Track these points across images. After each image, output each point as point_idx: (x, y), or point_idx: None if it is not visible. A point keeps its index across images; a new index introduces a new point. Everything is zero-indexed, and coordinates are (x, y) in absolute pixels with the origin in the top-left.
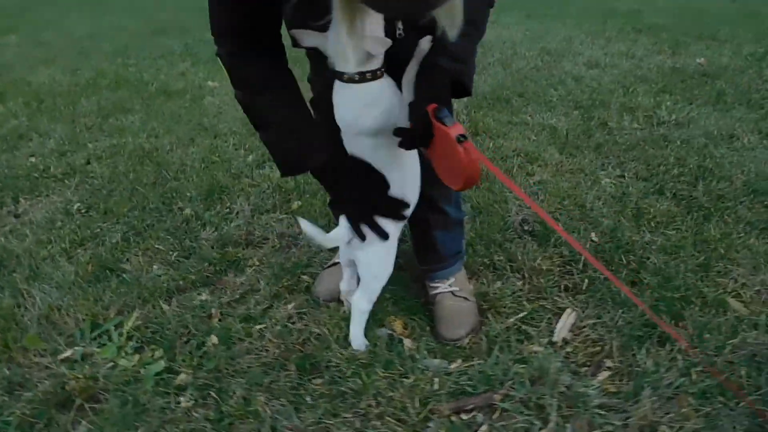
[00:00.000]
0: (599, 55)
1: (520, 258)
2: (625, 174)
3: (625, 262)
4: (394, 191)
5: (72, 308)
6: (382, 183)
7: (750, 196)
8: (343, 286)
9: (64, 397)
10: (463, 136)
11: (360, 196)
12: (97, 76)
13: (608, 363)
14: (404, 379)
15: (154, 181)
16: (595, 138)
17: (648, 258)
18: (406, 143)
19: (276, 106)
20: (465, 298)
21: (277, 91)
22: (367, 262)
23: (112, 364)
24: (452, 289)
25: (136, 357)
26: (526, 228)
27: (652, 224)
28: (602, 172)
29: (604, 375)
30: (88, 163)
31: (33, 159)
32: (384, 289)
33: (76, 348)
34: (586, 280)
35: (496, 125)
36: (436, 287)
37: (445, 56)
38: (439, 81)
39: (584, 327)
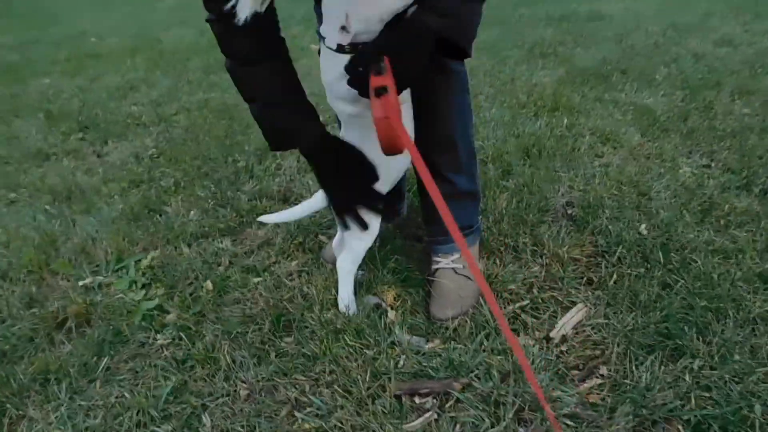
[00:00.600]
0: (736, 33)
1: (546, 242)
2: (712, 164)
3: (662, 260)
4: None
5: (106, 241)
6: (371, 174)
7: None
8: (334, 243)
9: (63, 318)
10: (383, 88)
11: (345, 184)
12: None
13: (603, 370)
14: (367, 351)
15: (224, 134)
16: (690, 122)
17: (695, 260)
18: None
19: (267, 79)
20: (467, 278)
21: (268, 63)
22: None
23: (120, 295)
24: (455, 266)
25: (142, 292)
26: (568, 212)
27: (721, 222)
28: (685, 160)
29: (593, 382)
30: (176, 114)
31: (134, 107)
32: (388, 257)
33: (98, 277)
34: (615, 275)
35: (581, 102)
36: (438, 262)
37: (428, 12)
38: (408, 33)
39: (589, 326)
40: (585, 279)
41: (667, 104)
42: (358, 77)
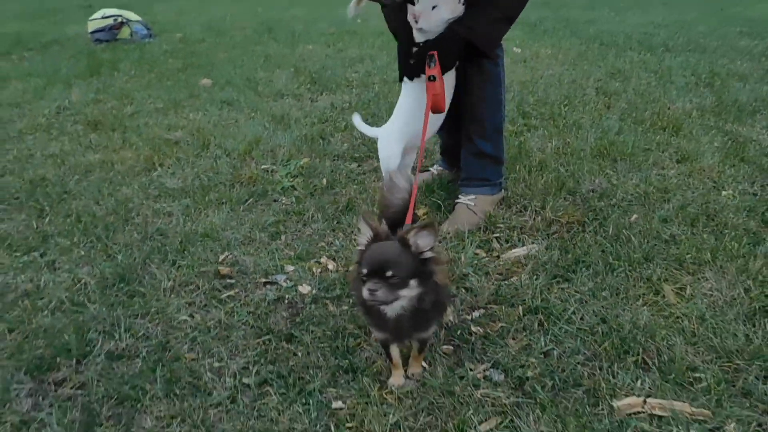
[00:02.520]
0: None
1: (546, 208)
2: None
3: (611, 234)
4: None
5: (285, 148)
6: None
7: None
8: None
9: (246, 178)
10: (433, 77)
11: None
12: None
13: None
14: None
15: None
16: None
17: (634, 241)
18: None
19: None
20: (475, 213)
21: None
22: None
23: (279, 176)
24: (468, 203)
25: (289, 177)
26: (585, 195)
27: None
28: (730, 184)
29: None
30: (375, 83)
31: (353, 74)
32: (430, 190)
33: (272, 166)
34: (575, 238)
35: (693, 127)
36: (458, 197)
37: (460, 25)
38: (446, 37)
39: (528, 256)
40: (555, 234)
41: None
42: (417, 64)
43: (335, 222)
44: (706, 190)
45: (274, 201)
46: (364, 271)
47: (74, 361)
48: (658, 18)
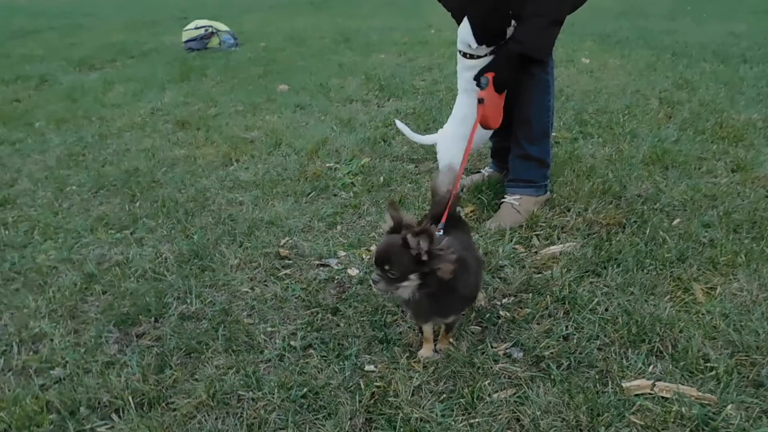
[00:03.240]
0: None
1: (589, 210)
2: None
3: (653, 240)
4: None
5: (348, 149)
6: None
7: None
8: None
9: (309, 175)
10: (480, 99)
11: None
12: None
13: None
14: None
15: None
16: None
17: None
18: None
19: None
20: (518, 212)
21: None
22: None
23: (340, 173)
24: (512, 202)
25: (350, 175)
26: (629, 199)
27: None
28: None
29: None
30: (439, 91)
31: (420, 82)
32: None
33: (336, 164)
34: (612, 239)
35: (756, 137)
36: (505, 197)
37: (511, 41)
38: (501, 57)
39: (562, 257)
40: (594, 234)
41: None
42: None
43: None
44: (757, 199)
45: (334, 195)
46: (373, 260)
47: (153, 319)
48: (741, 28)
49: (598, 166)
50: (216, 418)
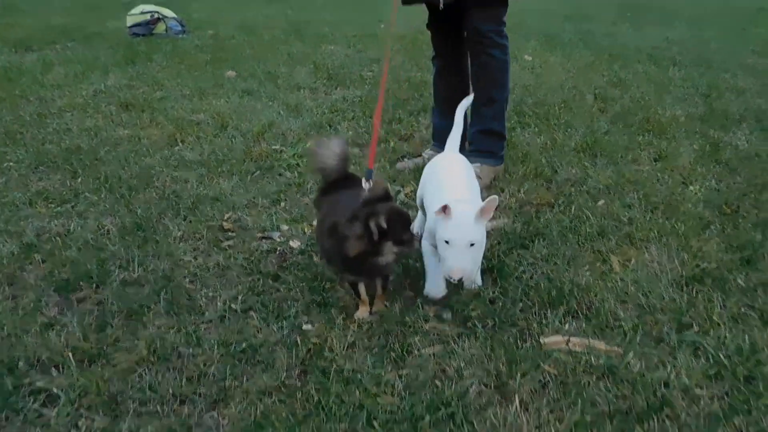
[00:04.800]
0: None
1: (523, 191)
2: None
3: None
4: None
5: (295, 132)
6: None
7: None
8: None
9: (253, 156)
10: None
11: None
12: None
13: None
14: None
15: (407, 98)
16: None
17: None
18: None
19: None
20: (480, 178)
21: None
22: None
23: (285, 155)
24: (475, 170)
25: (295, 157)
26: (567, 181)
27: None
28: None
29: None
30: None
31: (368, 72)
32: None
33: (282, 147)
34: (556, 225)
35: (677, 130)
36: None
37: None
38: None
39: (494, 232)
40: (525, 212)
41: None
42: None
43: None
44: (674, 184)
45: (279, 175)
46: (408, 225)
47: (94, 285)
48: (675, 34)
49: (533, 152)
50: (156, 372)
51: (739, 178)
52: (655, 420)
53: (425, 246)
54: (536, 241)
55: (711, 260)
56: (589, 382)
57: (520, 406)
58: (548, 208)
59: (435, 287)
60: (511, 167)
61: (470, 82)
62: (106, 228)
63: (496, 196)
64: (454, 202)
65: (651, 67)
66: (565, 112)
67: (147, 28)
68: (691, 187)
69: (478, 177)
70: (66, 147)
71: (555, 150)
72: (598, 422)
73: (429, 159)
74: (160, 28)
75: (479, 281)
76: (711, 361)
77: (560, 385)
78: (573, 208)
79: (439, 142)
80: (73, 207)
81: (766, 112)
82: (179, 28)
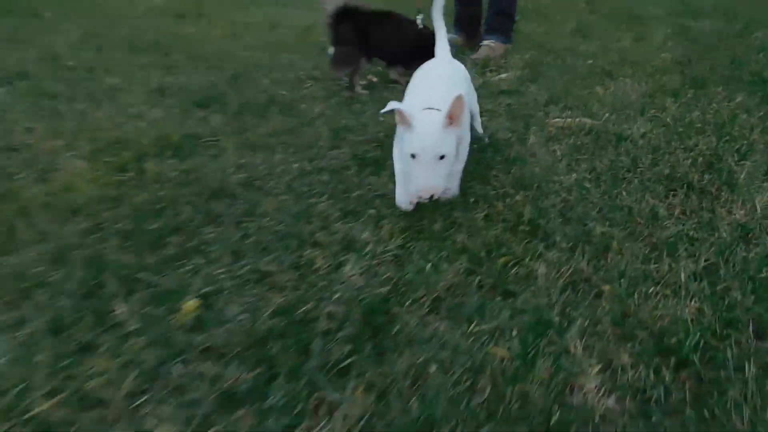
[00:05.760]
0: None
1: (528, 56)
2: None
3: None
4: None
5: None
6: None
7: None
8: None
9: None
10: None
11: None
12: None
13: None
14: None
15: None
16: None
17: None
18: None
19: None
20: (493, 50)
21: None
22: None
23: None
24: (490, 44)
25: None
26: (562, 50)
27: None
28: None
29: None
30: None
31: None
32: None
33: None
34: (553, 69)
35: None
36: (482, 42)
37: None
38: None
39: (506, 80)
40: (526, 68)
41: None
42: None
43: None
44: (649, 51)
45: None
46: None
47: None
48: None
49: (535, 35)
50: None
51: (697, 45)
52: (623, 146)
53: (395, 153)
54: (538, 80)
55: (671, 84)
56: (578, 135)
57: (534, 140)
58: (543, 63)
59: (404, 198)
60: (517, 45)
61: None
62: (212, 80)
63: (461, 94)
64: (419, 110)
65: None
66: (559, 11)
67: None
68: (663, 54)
69: (492, 49)
70: (149, 39)
71: (553, 33)
72: (582, 149)
73: (451, 42)
74: None
75: (456, 190)
76: (660, 123)
77: (559, 135)
78: (567, 61)
79: (458, 26)
80: (177, 71)
81: (732, 8)
82: None
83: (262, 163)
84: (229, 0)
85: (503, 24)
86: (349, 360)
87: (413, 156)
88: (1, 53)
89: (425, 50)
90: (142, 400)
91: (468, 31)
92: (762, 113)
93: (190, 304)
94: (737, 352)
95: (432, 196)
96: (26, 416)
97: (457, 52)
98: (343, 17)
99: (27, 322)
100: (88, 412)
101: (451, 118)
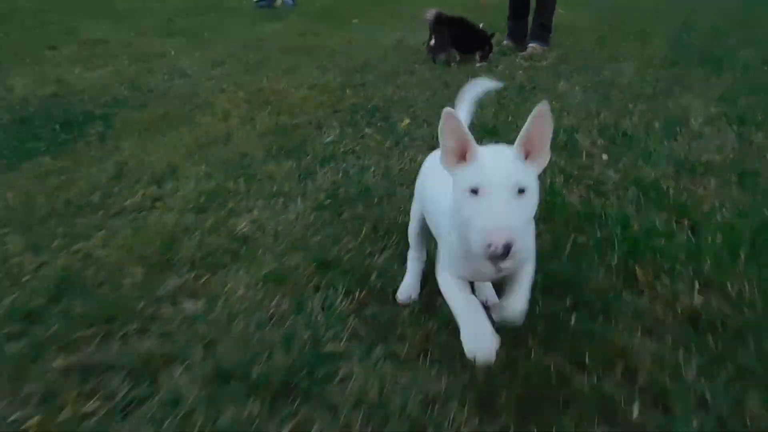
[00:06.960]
0: None
1: (560, 51)
2: None
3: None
4: None
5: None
6: None
7: None
8: None
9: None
10: None
11: None
12: None
13: None
14: None
15: None
16: None
17: None
18: None
19: None
20: (536, 51)
21: None
22: None
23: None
24: (534, 46)
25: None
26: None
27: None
28: None
29: None
30: None
31: None
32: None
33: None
34: (579, 58)
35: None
36: (528, 45)
37: None
38: None
39: (549, 65)
40: (562, 56)
41: None
42: None
43: None
44: (644, 49)
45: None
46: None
47: None
48: None
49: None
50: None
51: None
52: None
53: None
54: (568, 62)
55: (656, 55)
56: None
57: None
58: (569, 52)
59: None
60: (552, 48)
61: None
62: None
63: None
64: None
65: None
66: (588, 32)
67: (269, 2)
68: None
69: (535, 50)
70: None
71: (578, 43)
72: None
73: (507, 46)
74: (279, 2)
75: (531, 267)
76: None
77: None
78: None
79: (512, 37)
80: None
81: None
82: (291, 3)
83: None
84: (332, 26)
85: (543, 33)
86: None
87: (475, 192)
88: None
89: (483, 43)
90: None
91: (517, 39)
92: None
93: None
94: None
95: (506, 251)
96: None
97: (509, 53)
98: (438, 22)
99: None
100: None
101: (531, 152)
